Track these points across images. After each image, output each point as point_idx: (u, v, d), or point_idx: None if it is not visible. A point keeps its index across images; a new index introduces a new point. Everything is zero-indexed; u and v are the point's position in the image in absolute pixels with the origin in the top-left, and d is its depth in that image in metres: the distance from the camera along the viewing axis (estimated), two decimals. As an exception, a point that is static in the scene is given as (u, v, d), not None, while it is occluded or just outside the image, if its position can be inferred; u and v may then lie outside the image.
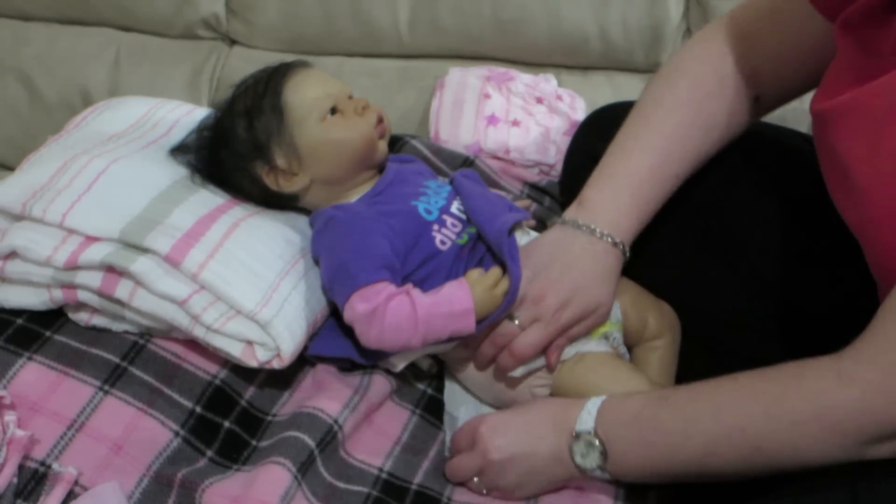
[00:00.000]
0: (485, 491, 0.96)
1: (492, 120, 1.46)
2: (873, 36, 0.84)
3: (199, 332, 0.97)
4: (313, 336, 1.03)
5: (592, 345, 1.02)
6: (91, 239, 0.99)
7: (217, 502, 0.88)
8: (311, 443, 0.94)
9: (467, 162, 1.35)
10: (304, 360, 1.03)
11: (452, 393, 1.07)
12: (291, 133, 1.03)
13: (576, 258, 1.00)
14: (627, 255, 1.03)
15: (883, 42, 0.83)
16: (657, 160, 1.03)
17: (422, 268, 1.01)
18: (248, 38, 1.72)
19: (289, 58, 1.12)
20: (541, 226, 1.19)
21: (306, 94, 1.04)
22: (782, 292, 1.06)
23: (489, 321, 0.98)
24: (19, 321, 1.02)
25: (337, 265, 0.99)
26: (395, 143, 1.32)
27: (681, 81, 1.06)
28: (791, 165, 1.08)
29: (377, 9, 1.62)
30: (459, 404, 1.06)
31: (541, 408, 0.96)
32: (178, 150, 1.10)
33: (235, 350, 0.97)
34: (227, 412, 0.99)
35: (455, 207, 1.06)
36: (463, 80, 1.52)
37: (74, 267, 0.98)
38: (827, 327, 0.89)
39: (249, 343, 0.97)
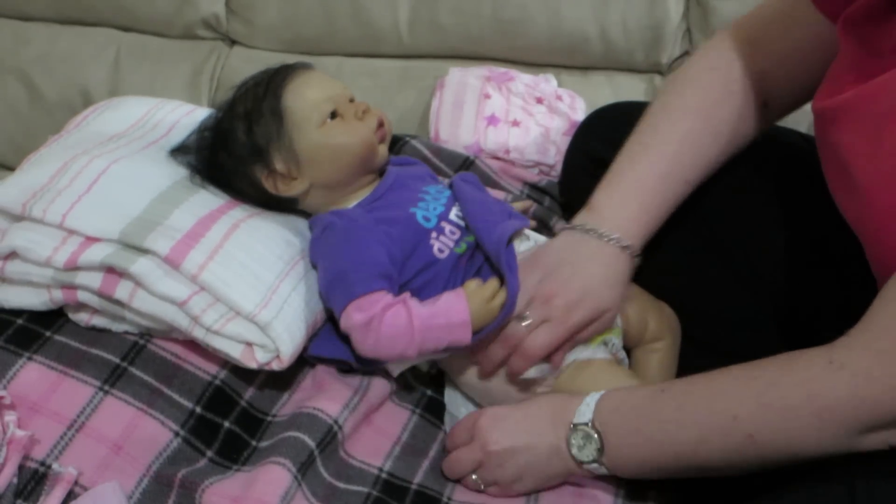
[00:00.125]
0: (482, 487, 0.96)
1: (492, 120, 1.46)
2: (874, 34, 0.84)
3: (198, 334, 0.97)
4: (313, 337, 1.03)
5: (590, 351, 1.01)
6: (91, 239, 0.98)
7: (217, 502, 0.88)
8: (311, 443, 0.94)
9: (467, 162, 1.34)
10: (303, 361, 1.03)
11: (453, 396, 1.07)
12: (291, 138, 1.02)
13: (585, 261, 1.00)
14: (638, 260, 1.03)
15: (884, 41, 0.83)
16: (666, 167, 1.03)
17: (419, 276, 1.01)
18: (248, 38, 1.72)
19: (289, 58, 1.11)
20: (541, 226, 1.19)
21: (306, 98, 1.03)
22: (782, 293, 1.06)
23: (485, 332, 0.97)
24: (19, 321, 1.02)
25: (334, 274, 0.99)
26: (395, 144, 1.32)
27: (689, 89, 1.07)
28: (791, 165, 1.09)
29: (377, 9, 1.62)
30: (460, 406, 1.06)
31: (541, 402, 0.96)
32: (178, 151, 1.09)
33: (235, 351, 0.97)
34: (227, 412, 0.99)
35: (454, 214, 1.05)
36: (463, 81, 1.52)
37: (74, 267, 0.98)
38: (827, 327, 0.89)
39: (249, 344, 0.97)
